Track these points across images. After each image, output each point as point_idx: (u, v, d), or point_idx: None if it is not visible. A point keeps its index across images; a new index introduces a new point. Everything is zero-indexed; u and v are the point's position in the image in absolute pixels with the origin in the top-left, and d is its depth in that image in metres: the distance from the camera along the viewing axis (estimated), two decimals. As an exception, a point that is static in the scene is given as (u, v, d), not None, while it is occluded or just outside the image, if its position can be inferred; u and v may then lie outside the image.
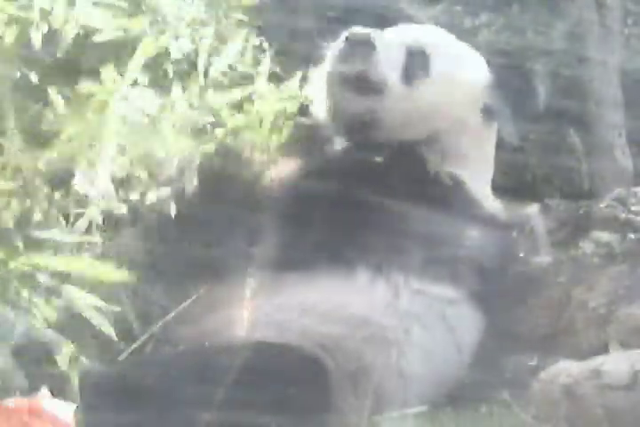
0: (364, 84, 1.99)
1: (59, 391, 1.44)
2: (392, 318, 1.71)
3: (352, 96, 2.00)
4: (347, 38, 2.01)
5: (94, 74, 2.32)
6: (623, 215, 1.95)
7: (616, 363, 1.57)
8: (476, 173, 2.07)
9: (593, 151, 4.95)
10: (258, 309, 1.72)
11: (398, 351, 1.69)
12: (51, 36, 3.01)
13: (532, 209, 2.13)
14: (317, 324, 1.68)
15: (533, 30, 5.05)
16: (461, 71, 2.10)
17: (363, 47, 1.98)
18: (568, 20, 5.13)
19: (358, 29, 2.02)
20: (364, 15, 5.32)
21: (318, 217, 1.87)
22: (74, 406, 1.41)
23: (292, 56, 4.75)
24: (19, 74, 2.86)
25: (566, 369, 1.64)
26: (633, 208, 1.98)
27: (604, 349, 1.74)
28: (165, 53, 2.38)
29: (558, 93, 4.86)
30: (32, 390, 1.44)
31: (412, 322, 1.73)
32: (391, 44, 2.04)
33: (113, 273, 1.77)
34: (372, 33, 2.01)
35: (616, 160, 4.84)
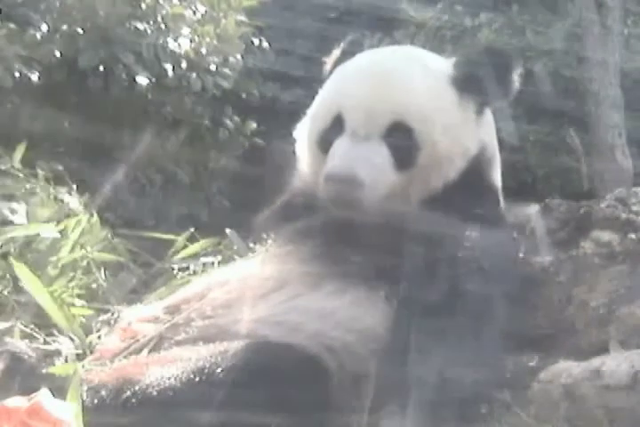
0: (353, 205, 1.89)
1: (59, 391, 1.43)
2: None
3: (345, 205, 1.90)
4: (327, 177, 1.86)
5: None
6: (624, 215, 1.95)
7: (616, 363, 1.57)
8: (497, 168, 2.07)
9: (593, 151, 4.96)
10: (271, 308, 1.73)
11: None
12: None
13: (533, 209, 2.13)
14: (330, 329, 1.68)
15: (533, 30, 5.06)
16: (444, 104, 1.96)
17: (348, 186, 1.85)
18: (568, 20, 5.14)
19: (338, 169, 1.86)
20: (364, 16, 5.33)
21: (352, 238, 1.85)
22: (74, 406, 1.41)
23: (292, 56, 4.76)
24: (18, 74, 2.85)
25: (566, 369, 1.64)
26: (634, 208, 1.98)
27: (604, 349, 1.74)
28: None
29: (558, 93, 4.87)
30: (32, 390, 1.43)
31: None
32: (374, 149, 1.89)
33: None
34: (355, 164, 1.86)
35: (616, 160, 4.85)
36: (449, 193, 1.92)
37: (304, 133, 2.08)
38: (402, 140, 1.91)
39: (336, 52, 2.18)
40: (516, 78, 1.99)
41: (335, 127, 1.95)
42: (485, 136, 2.05)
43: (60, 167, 2.81)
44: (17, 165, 2.76)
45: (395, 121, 1.91)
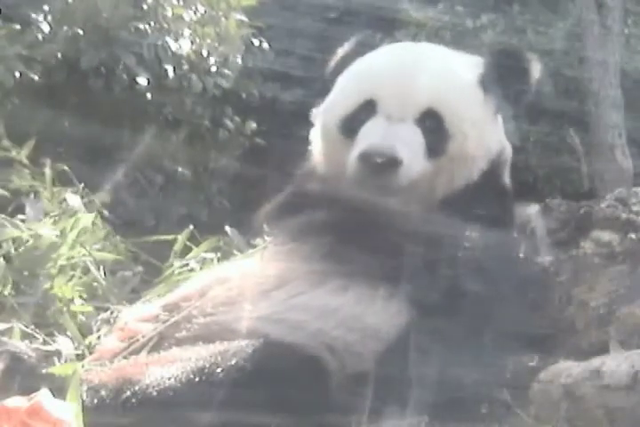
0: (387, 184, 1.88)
1: (59, 391, 1.43)
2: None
3: (375, 189, 1.89)
4: (364, 155, 1.84)
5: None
6: (624, 215, 1.95)
7: (616, 363, 1.57)
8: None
9: (593, 151, 4.96)
10: (272, 306, 1.73)
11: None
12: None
13: (533, 209, 2.13)
14: (332, 328, 1.68)
15: (534, 30, 5.05)
16: (473, 97, 1.97)
17: (386, 163, 1.84)
18: (568, 20, 5.13)
19: (378, 145, 1.85)
20: (364, 16, 5.33)
21: (357, 235, 1.84)
22: (74, 406, 1.40)
23: (292, 56, 4.76)
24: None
25: (566, 369, 1.64)
26: (634, 208, 1.98)
27: (604, 349, 1.73)
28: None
29: (558, 93, 4.87)
30: (32, 390, 1.43)
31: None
32: (409, 130, 1.89)
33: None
34: (394, 142, 1.85)
35: (616, 160, 4.85)
36: (467, 194, 1.93)
37: (322, 121, 2.07)
38: (434, 126, 1.91)
39: (344, 49, 2.18)
40: (534, 81, 2.01)
41: (364, 112, 1.95)
42: (502, 137, 2.06)
43: (66, 166, 2.82)
44: (25, 160, 2.78)
45: (429, 107, 1.92)
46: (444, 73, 1.98)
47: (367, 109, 1.94)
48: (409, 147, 1.87)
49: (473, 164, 1.95)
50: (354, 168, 1.88)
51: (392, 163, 1.84)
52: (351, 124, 1.96)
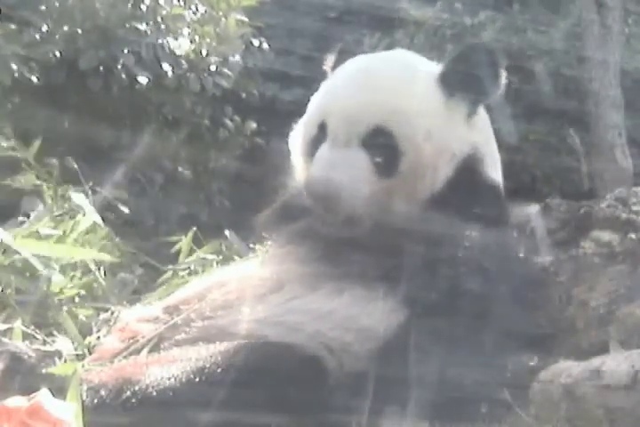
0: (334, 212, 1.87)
1: (59, 391, 1.43)
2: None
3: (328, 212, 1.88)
4: (306, 186, 1.85)
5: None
6: (624, 215, 1.95)
7: (616, 363, 1.57)
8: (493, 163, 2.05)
9: (593, 151, 4.96)
10: (270, 308, 1.73)
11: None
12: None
13: (533, 209, 2.13)
14: (329, 329, 1.69)
15: (534, 30, 5.05)
16: (427, 101, 1.92)
17: (326, 195, 1.83)
18: (568, 20, 5.13)
19: (316, 179, 1.84)
20: (364, 16, 5.33)
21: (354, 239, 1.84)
22: (74, 406, 1.41)
23: (292, 56, 4.76)
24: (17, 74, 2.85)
25: (566, 369, 1.64)
26: (634, 208, 1.98)
27: (604, 349, 1.74)
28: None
29: (558, 93, 4.87)
30: (32, 390, 1.43)
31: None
32: (353, 156, 1.86)
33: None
34: (332, 173, 1.84)
35: (616, 160, 4.85)
36: (447, 194, 1.91)
37: (295, 142, 2.08)
38: (383, 146, 1.87)
39: (331, 58, 2.17)
40: (503, 73, 1.96)
41: (320, 135, 1.94)
42: (478, 136, 2.00)
43: (75, 165, 2.83)
44: (31, 160, 2.79)
45: (376, 126, 1.87)
46: (392, 88, 1.93)
47: (322, 133, 1.93)
48: (351, 174, 1.84)
49: (434, 173, 1.90)
50: (305, 196, 1.88)
51: (330, 195, 1.82)
52: (311, 149, 1.96)
